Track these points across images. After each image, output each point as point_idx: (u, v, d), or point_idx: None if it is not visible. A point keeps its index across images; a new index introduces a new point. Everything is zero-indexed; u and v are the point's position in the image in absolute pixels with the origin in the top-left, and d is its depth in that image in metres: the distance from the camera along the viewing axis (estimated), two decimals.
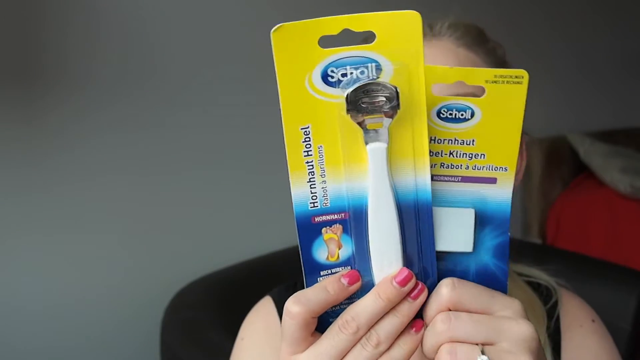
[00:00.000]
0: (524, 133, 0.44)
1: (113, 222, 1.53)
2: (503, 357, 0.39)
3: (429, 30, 0.65)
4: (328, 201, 0.41)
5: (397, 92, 0.39)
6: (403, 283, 0.40)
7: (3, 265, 1.41)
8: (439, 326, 0.40)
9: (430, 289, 0.41)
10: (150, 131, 1.56)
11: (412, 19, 0.38)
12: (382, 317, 0.40)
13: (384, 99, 0.39)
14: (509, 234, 0.42)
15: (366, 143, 0.40)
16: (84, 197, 1.48)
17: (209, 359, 1.18)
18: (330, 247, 0.42)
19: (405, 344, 0.41)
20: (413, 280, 0.40)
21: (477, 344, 0.40)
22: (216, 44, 1.62)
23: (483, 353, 0.39)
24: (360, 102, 0.39)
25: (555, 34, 2.28)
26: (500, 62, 0.68)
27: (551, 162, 2.29)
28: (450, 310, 0.41)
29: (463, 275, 0.42)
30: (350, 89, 0.39)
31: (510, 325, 0.40)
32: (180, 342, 1.28)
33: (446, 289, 0.41)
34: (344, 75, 0.39)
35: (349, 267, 0.42)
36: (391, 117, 0.39)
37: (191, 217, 1.63)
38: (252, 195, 1.69)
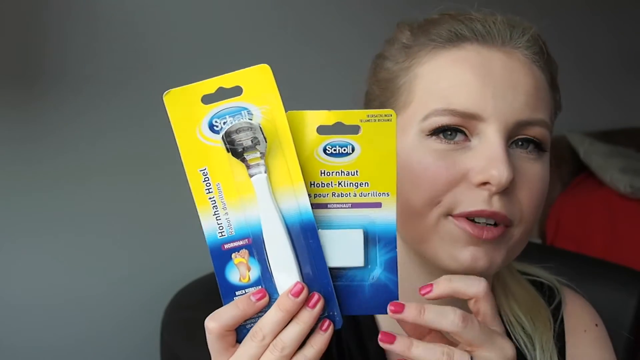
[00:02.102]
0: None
1: (113, 222, 1.53)
2: None
3: (508, 32, 0.61)
4: (233, 230, 0.48)
5: (260, 127, 0.47)
6: (296, 295, 0.47)
7: (2, 265, 1.41)
8: (456, 320, 0.46)
9: (327, 296, 0.48)
10: (149, 130, 1.55)
11: (264, 71, 0.47)
12: (287, 325, 0.47)
13: (253, 135, 0.47)
14: (396, 250, 0.49)
15: (250, 176, 0.47)
16: (83, 197, 1.48)
17: (209, 359, 1.18)
18: (241, 270, 0.49)
19: (316, 343, 0.48)
20: (305, 291, 0.47)
21: (467, 352, 0.47)
22: (215, 43, 1.62)
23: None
24: (235, 141, 0.47)
25: (555, 34, 2.28)
26: (554, 81, 0.65)
27: (551, 162, 2.28)
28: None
29: (359, 288, 0.49)
30: (222, 132, 0.47)
31: (501, 340, 0.48)
32: (180, 342, 1.28)
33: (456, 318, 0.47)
34: (225, 123, 0.48)
35: (260, 287, 0.48)
36: (263, 149, 0.47)
37: (191, 217, 1.63)
38: None
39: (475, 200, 0.57)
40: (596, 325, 0.73)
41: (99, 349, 1.54)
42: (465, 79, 0.58)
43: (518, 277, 0.75)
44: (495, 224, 0.58)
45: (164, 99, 0.48)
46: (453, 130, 0.59)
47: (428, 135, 0.59)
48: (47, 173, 1.44)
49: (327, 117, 0.49)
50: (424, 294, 0.49)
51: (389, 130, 0.48)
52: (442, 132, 0.59)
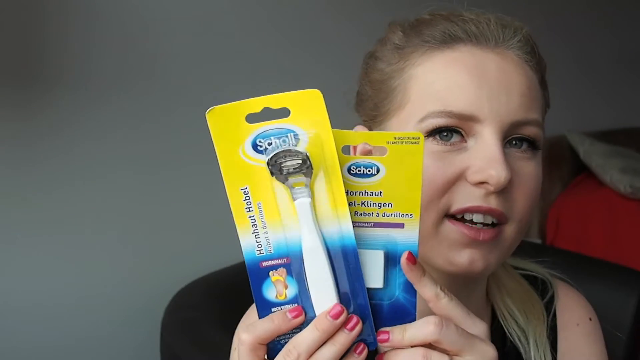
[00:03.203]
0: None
1: (113, 222, 1.53)
2: None
3: (501, 33, 0.61)
4: (271, 248, 0.48)
5: (307, 156, 0.47)
6: (335, 317, 0.47)
7: (3, 265, 1.41)
8: (431, 327, 0.46)
9: (363, 319, 0.48)
10: (149, 130, 1.56)
11: (315, 96, 0.46)
12: (322, 346, 0.47)
13: (300, 161, 0.46)
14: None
15: (294, 199, 0.47)
16: (83, 197, 1.48)
17: (209, 359, 1.18)
18: (278, 287, 0.49)
19: None
20: (345, 314, 0.47)
21: (448, 354, 0.47)
22: (215, 42, 1.62)
23: None
24: (281, 166, 0.46)
25: (555, 34, 2.28)
26: (544, 80, 0.66)
27: (551, 162, 2.29)
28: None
29: (378, 307, 0.49)
30: (269, 156, 0.47)
31: (481, 344, 0.48)
32: (180, 342, 1.28)
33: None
34: (269, 144, 0.47)
35: (296, 304, 0.49)
36: (309, 176, 0.47)
37: (191, 217, 1.63)
38: None
39: (471, 197, 0.57)
40: (590, 319, 0.74)
41: (100, 349, 1.54)
42: (461, 81, 0.59)
43: (511, 271, 0.75)
44: (492, 224, 0.58)
45: (207, 116, 0.46)
46: (449, 131, 0.59)
47: (425, 137, 0.59)
48: (46, 173, 1.44)
49: (353, 137, 0.49)
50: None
51: (416, 153, 0.48)
52: (439, 133, 0.59)
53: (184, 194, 1.62)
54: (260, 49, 1.66)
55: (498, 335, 0.70)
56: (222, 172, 0.47)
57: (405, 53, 0.63)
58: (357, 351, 0.48)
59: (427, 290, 0.48)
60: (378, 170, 0.48)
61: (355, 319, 0.47)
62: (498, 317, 0.71)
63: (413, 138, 0.47)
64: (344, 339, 0.47)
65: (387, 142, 0.48)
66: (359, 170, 0.48)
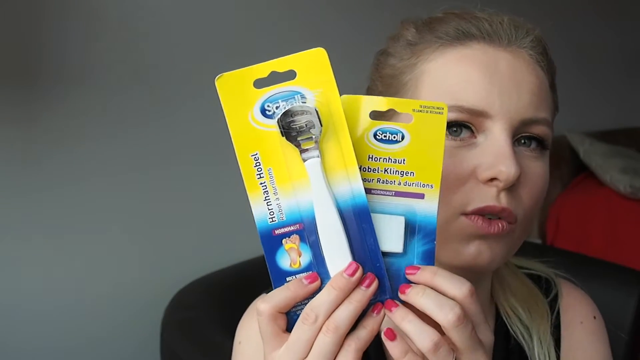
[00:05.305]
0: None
1: (113, 222, 1.53)
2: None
3: (513, 32, 0.62)
4: (284, 215, 0.48)
5: (316, 111, 0.47)
6: (352, 274, 0.46)
7: (3, 265, 1.41)
8: (452, 315, 0.46)
9: (380, 278, 0.48)
10: (150, 130, 1.56)
11: (319, 54, 0.48)
12: (339, 306, 0.46)
13: (310, 118, 0.47)
14: (435, 242, 0.50)
15: (304, 160, 0.47)
16: (84, 197, 1.48)
17: (209, 359, 1.18)
18: (292, 255, 0.48)
19: (368, 324, 0.47)
20: (360, 271, 0.47)
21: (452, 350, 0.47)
22: (215, 41, 1.62)
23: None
24: (290, 125, 0.47)
25: (555, 33, 2.28)
26: (554, 83, 0.66)
27: (551, 161, 2.27)
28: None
29: (396, 274, 0.49)
30: (279, 116, 0.47)
31: (482, 352, 0.48)
32: (180, 342, 1.28)
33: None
34: (277, 107, 0.48)
35: (311, 272, 0.48)
36: (319, 134, 0.47)
37: (192, 217, 1.63)
38: None
39: (485, 197, 0.58)
40: (594, 317, 0.74)
41: (100, 349, 1.54)
42: (473, 77, 0.59)
43: (515, 270, 0.75)
44: (500, 220, 0.59)
45: (216, 82, 0.47)
46: (459, 127, 0.59)
47: None
48: (46, 173, 1.44)
49: (380, 102, 0.49)
50: (407, 274, 0.48)
51: (440, 123, 0.48)
52: (448, 128, 0.59)
53: (184, 193, 1.62)
54: (262, 48, 1.66)
55: (502, 333, 0.70)
56: (232, 139, 0.48)
57: (417, 49, 0.63)
58: (375, 311, 0.48)
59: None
60: (403, 137, 0.49)
61: (371, 276, 0.47)
62: (502, 316, 0.71)
63: (437, 108, 0.48)
64: (360, 295, 0.46)
65: (413, 110, 0.48)
66: (384, 136, 0.49)
